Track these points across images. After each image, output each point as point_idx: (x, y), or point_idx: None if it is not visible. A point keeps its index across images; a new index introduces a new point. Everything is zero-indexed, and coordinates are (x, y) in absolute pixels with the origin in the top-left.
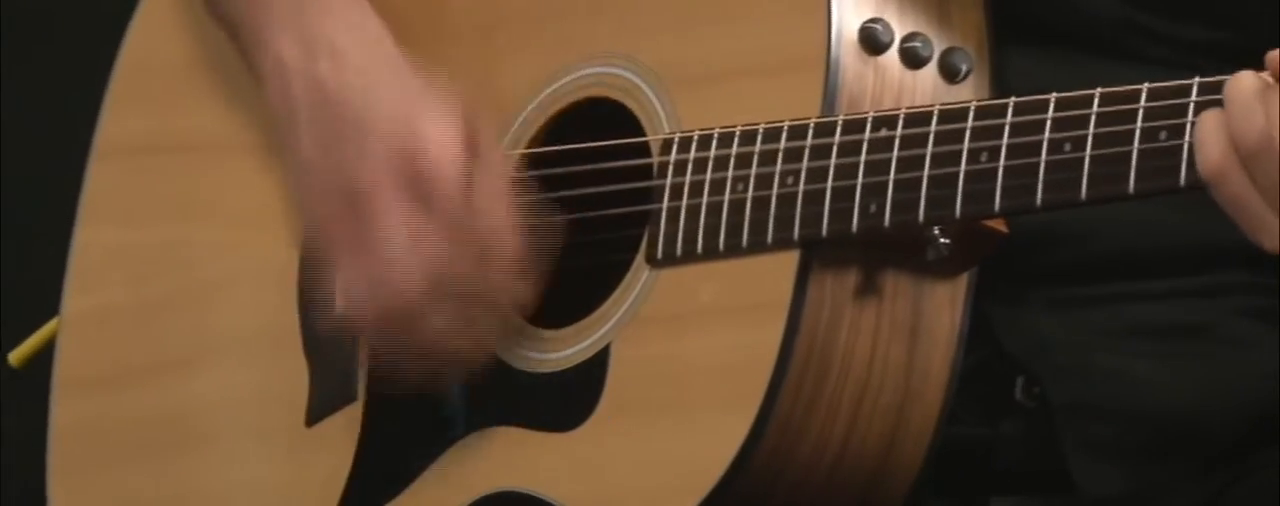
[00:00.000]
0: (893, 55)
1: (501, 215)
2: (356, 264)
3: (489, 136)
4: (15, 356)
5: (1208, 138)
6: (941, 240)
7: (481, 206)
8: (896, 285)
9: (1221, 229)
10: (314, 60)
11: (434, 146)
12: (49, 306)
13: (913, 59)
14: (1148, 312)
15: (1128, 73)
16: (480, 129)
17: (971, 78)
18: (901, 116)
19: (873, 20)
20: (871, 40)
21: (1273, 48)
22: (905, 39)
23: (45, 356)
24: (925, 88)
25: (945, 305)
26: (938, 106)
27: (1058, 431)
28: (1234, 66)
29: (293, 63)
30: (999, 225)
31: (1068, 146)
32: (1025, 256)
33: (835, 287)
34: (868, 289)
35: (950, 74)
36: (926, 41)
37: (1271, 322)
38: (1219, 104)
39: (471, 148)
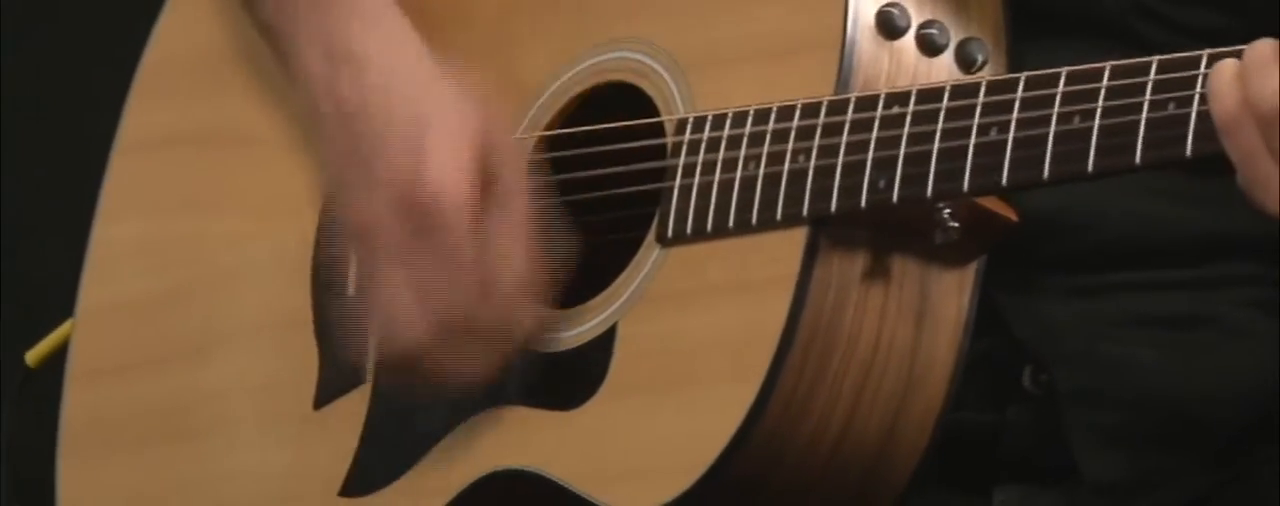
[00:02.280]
0: (909, 40)
1: (510, 245)
2: (369, 297)
3: (508, 155)
4: (31, 357)
5: (1222, 88)
6: (950, 223)
7: (490, 237)
8: (904, 269)
9: (1228, 221)
10: (337, 74)
11: (438, 179)
12: (57, 306)
13: (929, 46)
14: (1154, 302)
15: None
16: (499, 147)
17: (987, 68)
18: (914, 93)
19: (891, 4)
20: (888, 24)
21: None
22: (923, 25)
23: (55, 358)
24: (940, 75)
25: (953, 291)
26: (950, 82)
27: (1064, 418)
28: None
29: (318, 76)
30: (1008, 212)
31: (1077, 119)
32: (1035, 244)
33: (843, 268)
34: (876, 271)
35: (966, 63)
36: (943, 29)
37: (1275, 314)
38: None
39: (485, 172)
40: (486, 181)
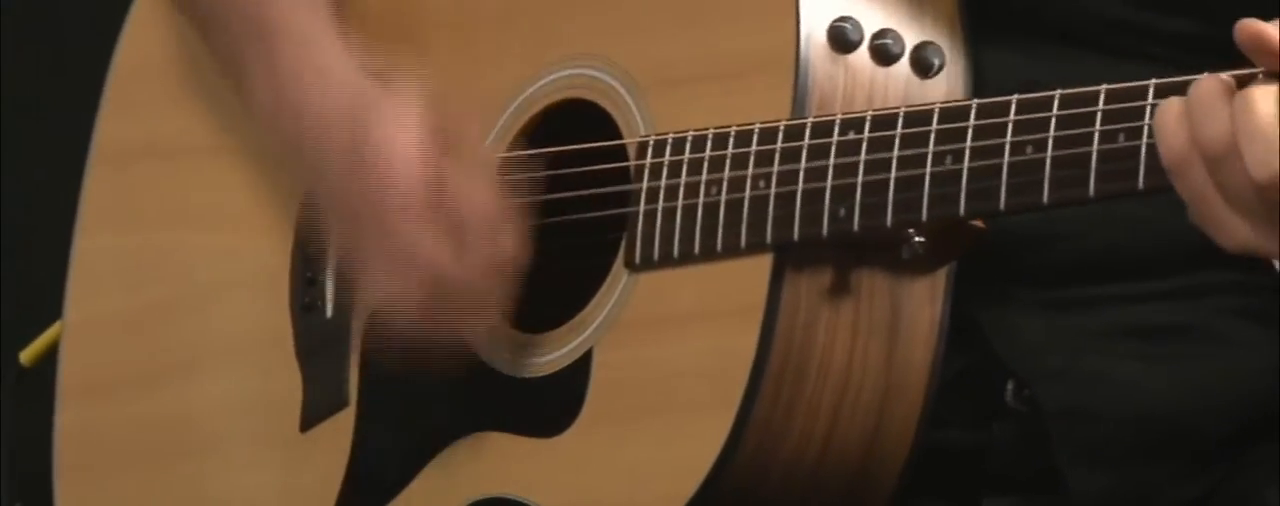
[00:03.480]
0: (863, 53)
1: (478, 208)
2: (357, 274)
3: (464, 124)
4: (26, 356)
5: (1168, 128)
6: (916, 239)
7: (456, 201)
8: (873, 284)
9: None
10: (278, 114)
11: (385, 155)
12: (53, 308)
13: (883, 56)
14: (1135, 313)
15: (1118, 68)
16: (452, 119)
17: (945, 72)
18: (868, 119)
19: (842, 19)
20: (840, 39)
21: None
22: (875, 36)
23: (51, 356)
24: (897, 85)
25: (925, 301)
26: (903, 109)
27: (1049, 433)
28: (1222, 62)
29: (265, 106)
30: (976, 221)
31: (1029, 149)
32: (1013, 258)
33: (810, 289)
34: (843, 289)
35: (923, 69)
36: (897, 38)
37: (1257, 322)
38: None
39: (438, 143)
40: (441, 142)
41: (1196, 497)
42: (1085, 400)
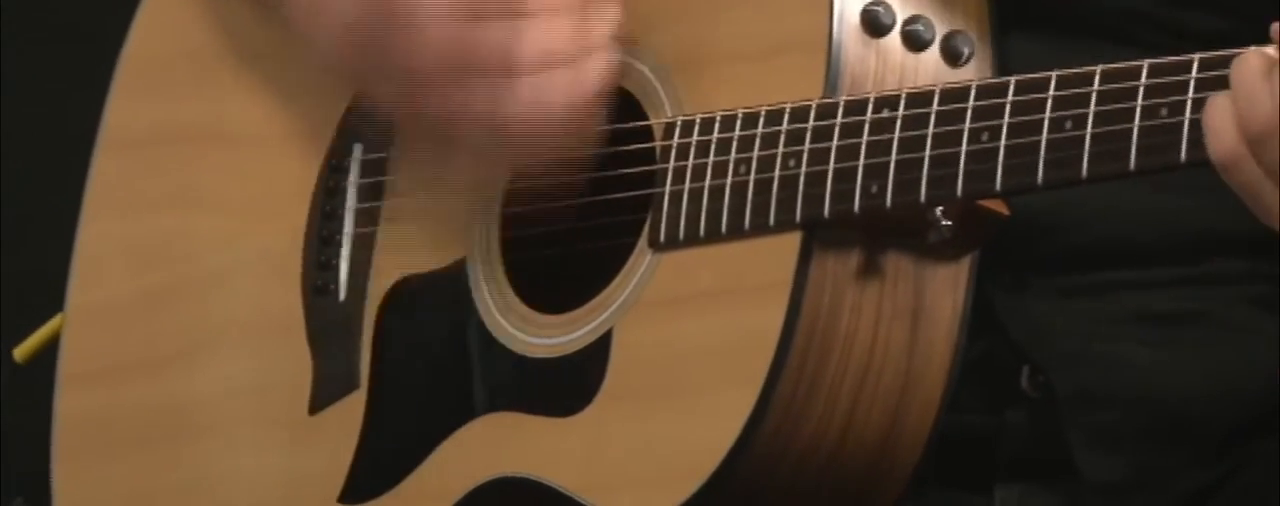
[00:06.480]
0: (894, 38)
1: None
2: (387, 41)
3: None
4: (19, 352)
5: (1217, 124)
6: (943, 222)
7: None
8: (898, 268)
9: (1223, 216)
10: None
11: None
12: (51, 302)
13: (914, 42)
14: (1150, 300)
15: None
16: None
17: (974, 61)
18: (903, 97)
19: (875, 3)
20: (873, 23)
21: None
22: (907, 22)
23: (48, 352)
24: (927, 71)
25: (947, 288)
26: (939, 86)
27: (1062, 419)
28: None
29: None
30: (1000, 207)
31: (1069, 125)
32: (1029, 243)
33: (837, 270)
34: (869, 271)
35: (952, 57)
36: (928, 24)
37: (1272, 310)
38: (1221, 81)
39: None
40: None
41: (1208, 485)
42: (1098, 385)
